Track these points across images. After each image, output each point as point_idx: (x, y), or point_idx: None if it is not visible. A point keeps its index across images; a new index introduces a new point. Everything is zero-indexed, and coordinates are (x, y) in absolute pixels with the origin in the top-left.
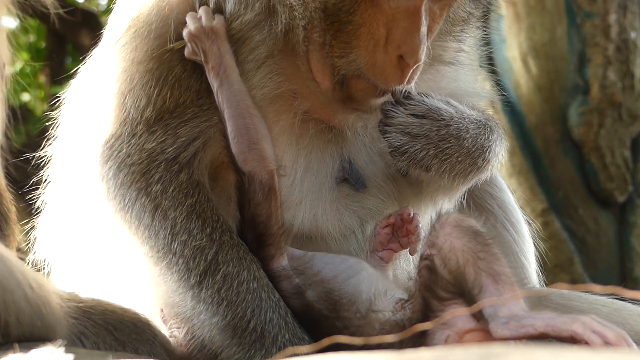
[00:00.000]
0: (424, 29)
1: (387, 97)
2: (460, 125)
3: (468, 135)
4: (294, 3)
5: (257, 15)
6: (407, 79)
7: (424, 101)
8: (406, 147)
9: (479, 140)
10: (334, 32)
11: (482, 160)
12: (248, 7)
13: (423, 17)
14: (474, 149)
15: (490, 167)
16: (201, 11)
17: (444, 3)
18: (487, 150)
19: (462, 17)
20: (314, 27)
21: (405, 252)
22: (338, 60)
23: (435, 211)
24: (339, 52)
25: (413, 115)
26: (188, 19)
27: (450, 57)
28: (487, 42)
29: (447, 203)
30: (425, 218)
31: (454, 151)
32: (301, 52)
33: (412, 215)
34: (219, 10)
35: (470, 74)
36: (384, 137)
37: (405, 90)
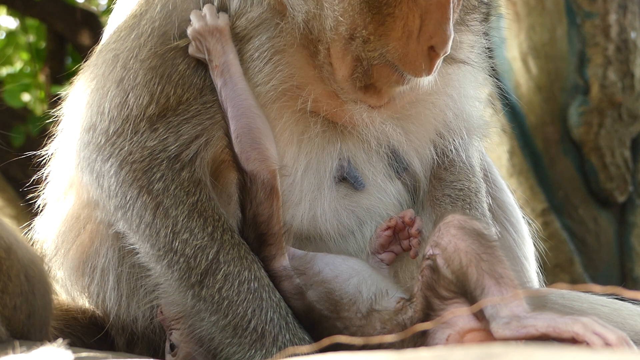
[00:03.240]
0: (452, 19)
1: (411, 84)
2: None
3: None
4: None
5: (264, 12)
6: (434, 68)
7: None
8: None
9: None
10: (376, 24)
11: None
12: (254, 4)
13: (452, 8)
14: None
15: None
16: (205, 9)
17: None
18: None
19: (473, 5)
20: (346, 19)
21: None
22: (370, 52)
23: (435, 212)
24: (372, 44)
25: None
26: (192, 16)
27: (463, 56)
28: (488, 48)
29: (447, 204)
30: (424, 218)
31: None
32: (319, 44)
33: (413, 218)
34: (223, 8)
35: (474, 79)
36: None
37: None
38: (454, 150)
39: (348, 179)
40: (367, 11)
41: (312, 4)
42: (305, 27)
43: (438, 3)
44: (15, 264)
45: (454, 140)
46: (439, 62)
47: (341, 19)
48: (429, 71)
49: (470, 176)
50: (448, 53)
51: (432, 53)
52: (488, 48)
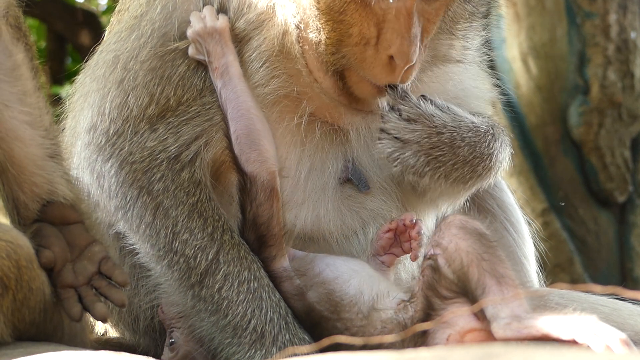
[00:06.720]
0: (415, 30)
1: (387, 96)
2: (455, 133)
3: (463, 144)
4: (288, 1)
5: (262, 14)
6: (399, 78)
7: (418, 105)
8: (397, 153)
9: (477, 148)
10: (328, 30)
11: (483, 167)
12: (251, 6)
13: (414, 19)
14: (471, 157)
15: (492, 174)
16: (205, 11)
17: (439, 4)
18: (487, 157)
19: (462, 16)
20: (308, 25)
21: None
22: (331, 56)
23: (438, 214)
24: (331, 49)
25: (406, 119)
26: (192, 18)
27: (457, 56)
28: (487, 42)
29: (449, 206)
30: (427, 220)
31: (447, 159)
32: (297, 52)
33: (414, 221)
34: (222, 9)
35: (475, 74)
36: (379, 143)
37: (404, 93)
38: None
39: (352, 180)
40: (320, 16)
41: (288, 11)
42: (282, 39)
43: (397, 13)
44: (39, 276)
45: None
46: (406, 71)
47: (302, 25)
48: (393, 79)
49: None
50: (413, 63)
51: (393, 62)
52: (488, 46)
